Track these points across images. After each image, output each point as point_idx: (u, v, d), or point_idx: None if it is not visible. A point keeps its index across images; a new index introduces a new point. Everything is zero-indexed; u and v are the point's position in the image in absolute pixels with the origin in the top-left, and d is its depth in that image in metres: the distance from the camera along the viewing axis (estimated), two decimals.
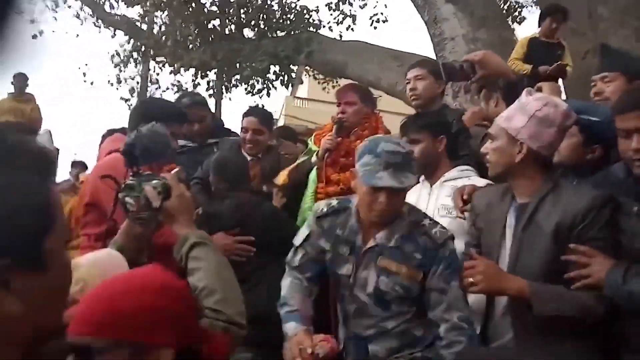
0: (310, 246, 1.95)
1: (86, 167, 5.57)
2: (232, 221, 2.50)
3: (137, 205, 1.37)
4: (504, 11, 8.85)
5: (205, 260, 1.32)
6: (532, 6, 9.04)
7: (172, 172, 1.50)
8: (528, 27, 9.01)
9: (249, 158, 2.98)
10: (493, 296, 1.76)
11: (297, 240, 1.98)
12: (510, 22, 8.85)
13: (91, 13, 10.08)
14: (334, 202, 1.95)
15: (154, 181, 1.40)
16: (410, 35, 9.69)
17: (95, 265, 1.25)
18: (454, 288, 1.73)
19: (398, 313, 1.83)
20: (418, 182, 2.28)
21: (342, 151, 2.81)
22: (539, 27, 4.53)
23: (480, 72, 2.01)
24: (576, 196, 1.64)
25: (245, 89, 8.11)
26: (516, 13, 9.30)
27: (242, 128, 3.07)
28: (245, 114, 3.11)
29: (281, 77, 8.04)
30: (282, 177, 2.88)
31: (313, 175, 2.80)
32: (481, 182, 2.12)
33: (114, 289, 0.99)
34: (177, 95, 9.79)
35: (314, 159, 2.82)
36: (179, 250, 1.35)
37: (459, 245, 1.90)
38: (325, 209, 1.93)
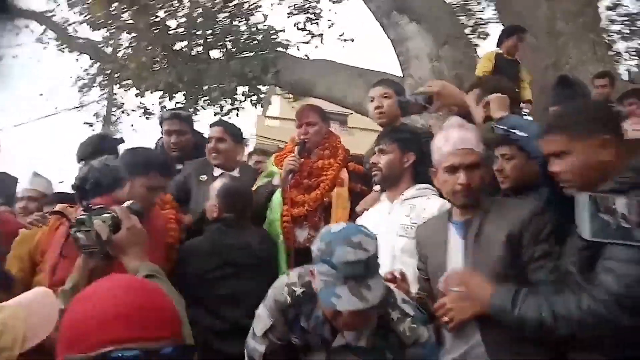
0: (274, 337, 1.75)
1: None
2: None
3: (89, 239, 1.38)
4: (469, 28, 9.07)
5: None
6: (496, 22, 9.27)
7: (125, 204, 1.49)
8: (492, 43, 9.20)
9: (218, 172, 2.97)
10: None
11: (258, 329, 1.75)
12: (475, 38, 9.06)
13: (54, 37, 9.92)
14: (298, 290, 1.68)
15: (104, 215, 1.41)
16: (377, 54, 9.80)
17: (21, 309, 1.16)
18: None
19: None
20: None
21: (304, 172, 2.77)
22: (497, 46, 4.66)
23: (437, 103, 2.05)
24: (520, 206, 1.78)
25: (214, 111, 8.04)
26: (480, 29, 9.53)
27: (208, 139, 3.07)
28: (210, 126, 3.14)
29: (250, 98, 8.00)
30: None
31: (278, 198, 2.74)
32: (439, 202, 2.11)
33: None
34: (142, 118, 9.66)
35: (276, 181, 2.77)
36: None
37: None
38: (289, 300, 1.69)
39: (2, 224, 2.66)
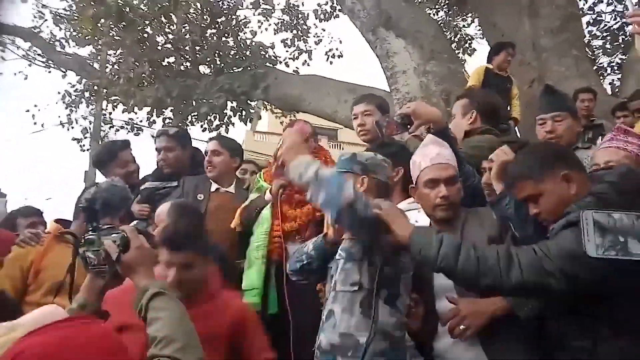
0: None
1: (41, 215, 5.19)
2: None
3: (98, 259, 1.41)
4: (455, 43, 9.21)
5: (166, 310, 1.33)
6: (481, 37, 9.45)
7: (132, 224, 1.51)
8: (478, 58, 9.35)
9: (214, 187, 3.00)
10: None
11: None
12: (461, 54, 9.21)
13: (41, 53, 9.89)
14: None
15: (113, 235, 1.44)
16: (365, 69, 9.90)
17: (35, 324, 1.16)
18: None
19: (342, 291, 1.77)
20: None
21: (295, 187, 2.76)
22: (488, 61, 4.72)
23: (416, 122, 2.09)
24: (488, 211, 1.90)
25: (202, 126, 8.03)
26: (466, 45, 9.69)
27: (204, 153, 3.10)
28: (208, 141, 3.18)
29: (239, 113, 8.01)
30: (235, 220, 2.81)
31: (266, 213, 2.73)
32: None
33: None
34: (131, 134, 9.63)
35: (267, 196, 2.77)
36: (139, 302, 1.35)
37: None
38: None
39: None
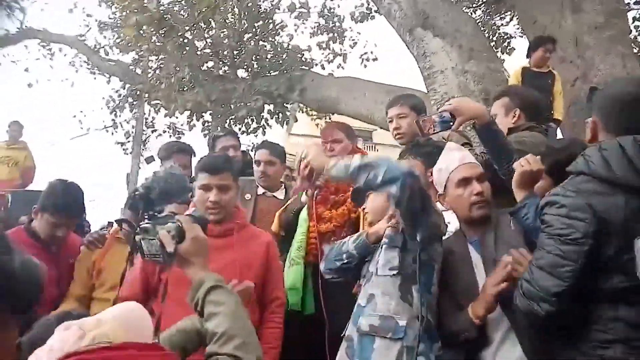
0: None
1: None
2: None
3: (152, 248, 1.38)
4: (493, 42, 9.03)
5: (224, 304, 1.29)
6: (520, 36, 9.23)
7: (187, 211, 1.50)
8: (517, 57, 9.15)
9: (261, 191, 3.09)
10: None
11: None
12: (500, 53, 9.02)
13: (86, 60, 10.27)
14: None
15: (169, 224, 1.40)
16: (400, 73, 9.83)
17: (119, 322, 1.17)
18: None
19: (382, 275, 1.89)
20: None
21: (331, 188, 2.79)
22: (527, 57, 4.61)
23: (459, 119, 2.06)
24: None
25: (240, 129, 8.16)
26: (505, 44, 9.49)
27: (255, 162, 3.16)
28: (257, 148, 3.25)
29: (276, 116, 8.11)
30: (274, 227, 2.85)
31: (304, 214, 2.76)
32: None
33: None
34: (172, 138, 9.88)
35: (303, 198, 2.80)
36: (195, 294, 1.32)
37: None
38: None
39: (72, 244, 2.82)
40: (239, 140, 3.57)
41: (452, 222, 2.10)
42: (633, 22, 6.96)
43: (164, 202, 1.50)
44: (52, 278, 2.59)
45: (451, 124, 2.08)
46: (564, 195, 1.40)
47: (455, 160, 1.97)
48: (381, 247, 1.88)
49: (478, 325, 1.70)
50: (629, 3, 6.88)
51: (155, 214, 1.44)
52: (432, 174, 2.26)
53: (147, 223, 1.41)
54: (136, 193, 1.45)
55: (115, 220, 2.01)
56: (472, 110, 2.08)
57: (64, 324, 1.09)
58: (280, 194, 3.14)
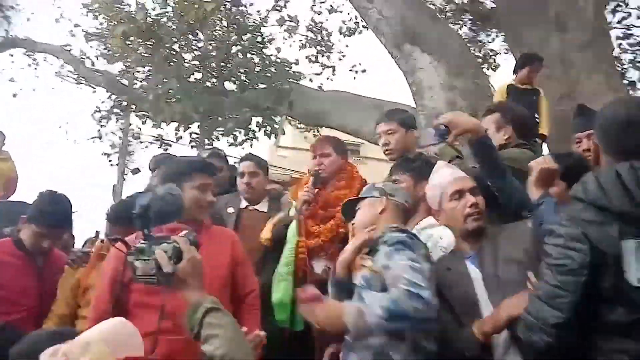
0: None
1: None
2: None
3: (146, 269, 1.34)
4: (480, 59, 9.15)
5: (222, 327, 1.27)
6: (506, 53, 9.37)
7: (181, 233, 1.46)
8: (502, 73, 9.28)
9: (244, 204, 3.08)
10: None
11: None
12: (486, 69, 9.14)
13: (72, 70, 10.18)
14: None
15: (165, 244, 1.37)
16: (389, 84, 9.91)
17: (106, 341, 1.15)
18: (396, 260, 1.70)
19: None
20: None
21: (320, 202, 2.77)
22: (514, 73, 4.66)
23: (454, 131, 2.07)
24: (523, 225, 1.87)
25: (228, 141, 8.13)
26: (491, 60, 9.62)
27: (239, 174, 3.14)
28: (241, 160, 3.23)
29: (264, 128, 8.09)
30: (265, 234, 2.82)
31: (292, 229, 2.73)
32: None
33: None
34: (160, 150, 9.80)
35: (292, 212, 2.78)
36: (192, 316, 1.30)
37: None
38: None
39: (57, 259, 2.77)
40: (225, 160, 3.56)
41: (444, 238, 2.09)
42: (616, 41, 7.10)
43: (161, 222, 1.48)
44: (36, 291, 2.57)
45: (446, 136, 2.09)
46: (561, 224, 1.39)
47: (447, 175, 1.98)
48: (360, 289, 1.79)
49: (482, 343, 1.66)
50: (611, 22, 7.03)
51: (151, 234, 1.40)
52: (422, 189, 2.26)
53: (142, 243, 1.37)
54: (134, 211, 1.42)
55: (109, 238, 1.96)
56: (467, 123, 2.08)
57: (51, 349, 1.06)
58: (263, 207, 3.12)
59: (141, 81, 9.14)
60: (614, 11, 7.35)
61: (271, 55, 8.75)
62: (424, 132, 2.25)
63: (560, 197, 1.89)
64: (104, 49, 9.57)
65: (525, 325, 1.42)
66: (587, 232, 1.32)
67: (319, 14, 9.42)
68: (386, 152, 2.78)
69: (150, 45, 7.76)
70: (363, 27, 8.78)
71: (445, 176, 1.98)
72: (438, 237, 2.13)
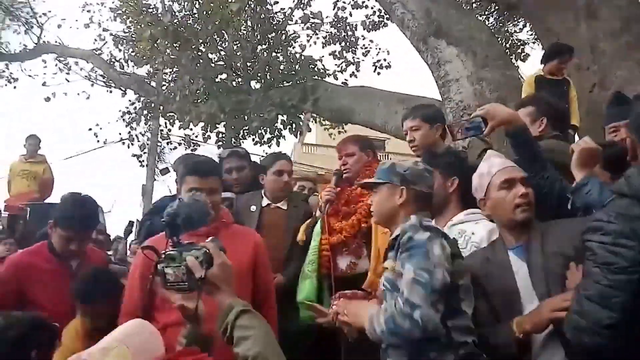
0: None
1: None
2: None
3: (177, 275, 1.36)
4: (507, 49, 8.98)
5: (254, 328, 1.29)
6: (534, 42, 9.18)
7: (208, 239, 1.49)
8: (531, 64, 9.08)
9: (265, 202, 3.10)
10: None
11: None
12: (514, 60, 8.97)
13: (102, 74, 10.42)
14: None
15: (194, 251, 1.39)
16: (414, 79, 9.82)
17: (127, 344, 1.19)
18: (406, 271, 1.62)
19: None
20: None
21: (342, 200, 2.80)
22: (542, 63, 4.56)
23: (491, 123, 2.04)
24: (574, 222, 1.78)
25: (254, 139, 8.20)
26: (519, 51, 9.43)
27: (276, 172, 3.14)
28: (276, 158, 3.23)
29: (289, 126, 8.14)
30: (300, 236, 2.88)
31: (317, 228, 2.77)
32: (488, 226, 2.07)
33: None
34: (188, 150, 9.96)
35: (318, 213, 2.82)
36: (224, 319, 1.33)
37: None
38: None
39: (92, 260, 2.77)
40: (246, 158, 3.53)
41: (476, 233, 2.07)
42: None
43: (188, 229, 1.51)
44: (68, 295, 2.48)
45: (482, 128, 2.06)
46: (607, 221, 1.32)
47: (496, 164, 1.91)
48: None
49: (520, 341, 1.61)
50: None
51: (180, 241, 1.43)
52: (452, 184, 2.24)
53: (172, 250, 1.40)
54: (162, 220, 1.45)
55: (141, 247, 2.02)
56: (505, 115, 2.05)
57: (74, 356, 1.10)
58: (283, 205, 3.14)
59: (168, 82, 9.29)
60: None
61: (296, 52, 8.79)
62: (449, 127, 2.21)
63: (605, 181, 1.86)
64: (132, 52, 9.78)
65: (575, 327, 1.37)
66: (635, 228, 1.27)
67: (342, 10, 9.40)
68: (412, 148, 2.78)
69: (177, 47, 7.89)
70: (387, 19, 8.72)
71: (495, 164, 1.91)
72: (470, 232, 2.10)
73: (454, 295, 1.67)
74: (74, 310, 2.48)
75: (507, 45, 9.28)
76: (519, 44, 9.56)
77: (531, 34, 9.16)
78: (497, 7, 9.13)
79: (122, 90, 10.04)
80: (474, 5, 9.09)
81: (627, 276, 1.27)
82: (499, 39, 8.37)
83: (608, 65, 4.81)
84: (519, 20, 9.26)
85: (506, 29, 9.53)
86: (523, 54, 9.45)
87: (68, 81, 10.78)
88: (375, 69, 9.63)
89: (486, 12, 9.18)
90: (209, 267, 1.37)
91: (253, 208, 3.06)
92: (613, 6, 4.92)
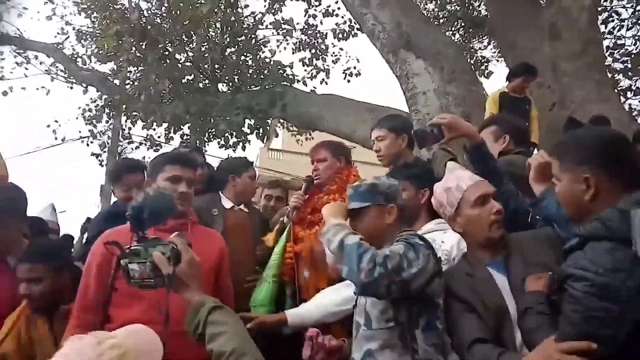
0: None
1: None
2: None
3: (143, 272, 1.31)
4: (472, 65, 9.22)
5: (227, 323, 1.26)
6: (497, 60, 9.45)
7: (173, 235, 1.42)
8: (495, 81, 9.35)
9: (229, 205, 3.07)
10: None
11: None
12: (477, 76, 9.19)
13: (63, 69, 10.09)
14: None
15: (161, 246, 1.33)
16: (383, 88, 9.92)
17: (132, 337, 1.15)
18: (395, 247, 1.65)
19: (378, 329, 1.70)
20: None
21: (309, 208, 2.78)
22: (507, 81, 4.69)
23: (449, 135, 2.07)
24: (543, 232, 1.80)
25: (219, 143, 8.09)
26: (483, 67, 9.69)
27: (252, 177, 3.20)
28: (248, 165, 3.23)
29: (256, 131, 8.07)
30: (270, 239, 2.84)
31: (284, 235, 2.74)
32: (457, 235, 2.05)
33: None
34: (150, 151, 9.73)
35: (285, 219, 2.79)
36: (194, 317, 1.28)
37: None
38: None
39: None
40: (204, 157, 3.63)
41: (446, 241, 2.06)
42: (607, 51, 7.17)
43: (154, 224, 1.45)
44: (7, 298, 2.30)
45: (439, 138, 2.09)
46: (594, 270, 1.25)
47: (465, 178, 1.86)
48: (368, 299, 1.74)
49: None
50: (603, 32, 7.11)
51: (145, 236, 1.37)
52: (423, 195, 2.24)
53: (136, 245, 1.34)
54: (127, 214, 1.38)
55: (104, 243, 1.92)
56: (464, 128, 2.08)
57: (74, 336, 1.08)
58: (244, 207, 3.13)
59: (133, 81, 9.07)
60: (605, 22, 7.44)
61: (265, 57, 8.74)
62: (415, 133, 2.23)
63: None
64: (96, 48, 9.50)
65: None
66: (621, 277, 1.23)
67: (313, 17, 9.44)
68: (378, 158, 2.81)
69: (144, 45, 7.71)
70: (357, 29, 8.80)
71: (463, 179, 1.86)
72: (440, 241, 2.09)
73: (434, 312, 1.69)
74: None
75: (472, 62, 9.52)
76: (483, 60, 9.82)
77: (495, 52, 9.44)
78: (463, 24, 9.38)
79: (83, 86, 9.74)
80: (442, 21, 9.29)
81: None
82: (464, 55, 8.58)
83: (568, 84, 4.99)
84: (484, 38, 9.53)
85: (471, 45, 9.78)
86: (487, 70, 9.71)
87: (27, 76, 10.39)
88: (345, 76, 9.70)
89: (452, 28, 9.41)
90: (176, 263, 1.32)
91: (215, 211, 2.99)
92: (574, 29, 5.12)
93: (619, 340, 1.23)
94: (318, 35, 9.53)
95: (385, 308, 1.68)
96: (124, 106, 8.35)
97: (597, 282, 1.24)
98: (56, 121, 10.19)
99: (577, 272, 1.28)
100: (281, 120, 9.15)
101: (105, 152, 10.54)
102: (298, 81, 8.60)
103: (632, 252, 1.22)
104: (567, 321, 1.30)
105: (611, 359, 1.26)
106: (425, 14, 8.08)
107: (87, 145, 10.09)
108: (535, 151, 4.53)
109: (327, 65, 9.54)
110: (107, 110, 9.42)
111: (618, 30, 7.58)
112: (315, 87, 8.96)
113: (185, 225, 2.12)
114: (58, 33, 10.32)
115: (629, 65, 7.46)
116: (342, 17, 9.32)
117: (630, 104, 7.45)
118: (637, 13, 7.50)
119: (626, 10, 7.57)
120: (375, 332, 1.69)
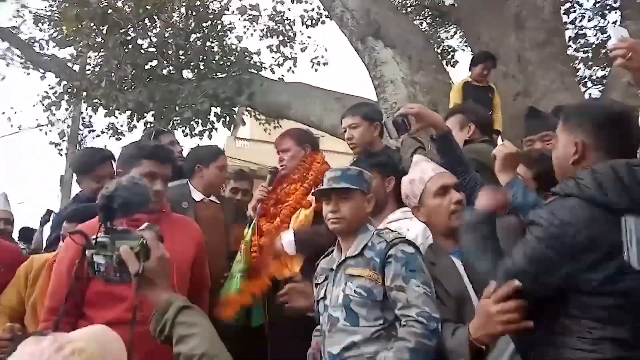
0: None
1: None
2: None
3: (108, 265, 1.22)
4: (439, 55, 9.28)
5: (197, 325, 1.20)
6: (463, 49, 9.54)
7: (143, 226, 1.34)
8: (461, 69, 9.45)
9: (199, 197, 2.98)
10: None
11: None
12: (444, 66, 9.27)
13: (19, 54, 9.67)
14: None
15: (130, 240, 1.24)
16: (350, 77, 9.91)
17: (95, 340, 1.06)
18: (412, 286, 1.69)
19: (366, 326, 1.73)
20: None
21: (272, 200, 2.73)
22: (469, 70, 4.73)
23: (417, 125, 2.10)
24: (511, 218, 1.81)
25: (184, 131, 7.91)
26: (450, 57, 9.77)
27: (220, 166, 3.07)
28: (219, 153, 3.12)
29: (223, 119, 7.92)
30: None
31: (250, 228, 2.69)
32: (421, 225, 2.08)
33: None
34: (112, 139, 9.45)
35: (252, 212, 2.75)
36: (161, 317, 1.20)
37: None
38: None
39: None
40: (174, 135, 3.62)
41: (411, 229, 2.08)
42: (569, 41, 7.33)
43: (125, 214, 1.35)
44: None
45: (408, 128, 2.11)
46: (550, 220, 1.33)
47: (428, 170, 1.94)
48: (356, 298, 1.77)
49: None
50: (566, 22, 7.26)
51: (114, 227, 1.28)
52: (389, 184, 2.25)
53: (103, 237, 1.25)
54: (97, 202, 1.28)
55: (69, 232, 1.83)
56: (432, 118, 2.11)
57: (31, 337, 0.97)
58: (215, 199, 3.05)
59: (94, 67, 8.76)
60: (567, 12, 7.59)
61: (232, 44, 8.57)
62: (386, 123, 2.25)
63: (529, 184, 1.97)
64: (55, 32, 9.13)
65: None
66: (580, 227, 1.29)
67: (281, 3, 9.30)
68: (350, 146, 2.78)
69: (105, 30, 7.44)
70: (326, 17, 8.72)
71: (426, 171, 1.94)
72: (406, 229, 2.12)
73: None
74: None
75: (439, 51, 9.59)
76: (449, 50, 9.90)
77: (461, 41, 9.53)
78: (430, 13, 9.41)
79: (41, 72, 9.36)
80: (409, 9, 9.30)
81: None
82: (432, 44, 8.63)
83: (532, 74, 5.07)
84: (451, 27, 9.60)
85: (438, 34, 9.84)
86: (453, 60, 9.80)
87: None
88: (313, 65, 9.62)
89: (419, 17, 9.43)
90: (145, 259, 1.24)
91: (185, 204, 2.87)
92: (539, 18, 5.20)
93: (550, 287, 1.32)
94: (286, 22, 9.41)
95: (374, 309, 1.74)
96: (84, 93, 8.06)
97: (549, 231, 1.32)
98: (12, 108, 9.80)
99: (536, 218, 1.37)
100: (248, 109, 9.01)
101: (64, 140, 10.19)
102: (265, 69, 8.48)
103: (595, 213, 1.29)
104: (512, 260, 1.38)
105: (536, 315, 1.35)
106: (393, 3, 8.06)
107: (46, 134, 9.74)
108: (500, 139, 4.60)
109: (295, 54, 9.45)
110: (66, 97, 9.07)
111: (580, 21, 7.77)
112: (283, 75, 8.86)
113: (157, 220, 2.00)
114: (13, 16, 9.88)
115: (590, 55, 7.65)
116: (311, 3, 9.24)
117: (590, 94, 7.68)
118: (597, 4, 7.69)
119: (587, 0, 7.76)
120: (360, 328, 1.73)
